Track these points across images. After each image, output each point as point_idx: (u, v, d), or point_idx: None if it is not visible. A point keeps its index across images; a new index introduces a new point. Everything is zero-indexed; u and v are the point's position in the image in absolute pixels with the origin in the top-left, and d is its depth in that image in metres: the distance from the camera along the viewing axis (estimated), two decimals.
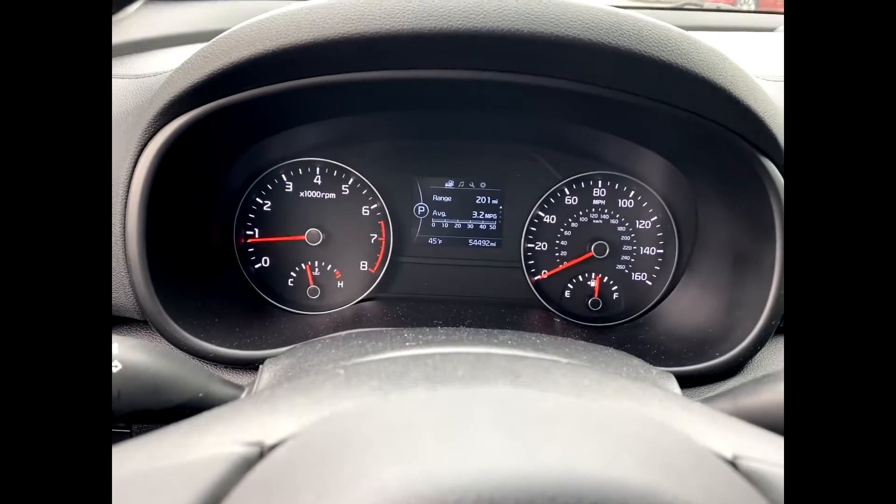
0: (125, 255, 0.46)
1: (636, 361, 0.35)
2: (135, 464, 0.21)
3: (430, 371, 0.24)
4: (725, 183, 0.50)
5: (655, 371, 0.35)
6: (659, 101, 0.43)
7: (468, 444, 0.17)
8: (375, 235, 0.61)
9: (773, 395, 0.31)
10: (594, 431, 0.19)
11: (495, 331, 0.35)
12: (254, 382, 0.32)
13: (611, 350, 0.36)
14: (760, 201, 0.46)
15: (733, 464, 0.21)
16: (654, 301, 0.61)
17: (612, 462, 0.17)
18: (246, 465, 0.19)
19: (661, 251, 0.61)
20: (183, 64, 0.43)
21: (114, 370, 0.30)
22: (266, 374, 0.32)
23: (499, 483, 0.16)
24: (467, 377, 0.24)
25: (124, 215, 0.46)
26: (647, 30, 0.39)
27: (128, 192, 0.46)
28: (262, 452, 0.19)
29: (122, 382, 0.30)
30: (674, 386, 0.34)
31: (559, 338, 0.36)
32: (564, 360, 0.30)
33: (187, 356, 0.45)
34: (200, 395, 0.30)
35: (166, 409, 0.30)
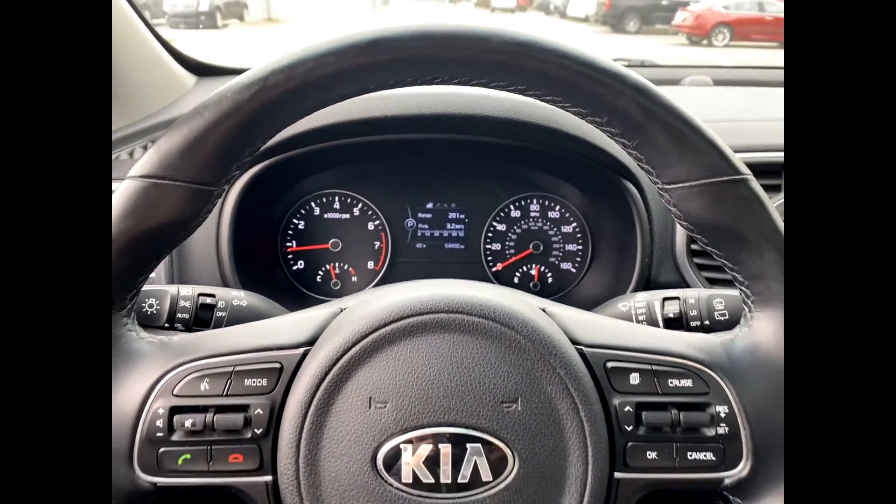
0: (218, 257, 0.71)
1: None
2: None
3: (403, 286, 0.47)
4: (608, 198, 0.76)
5: None
6: (550, 146, 0.70)
7: (420, 288, 0.41)
8: (378, 243, 0.86)
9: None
10: (477, 287, 0.43)
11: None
12: None
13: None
14: (627, 207, 0.72)
15: (544, 310, 0.45)
16: (576, 283, 0.86)
17: (480, 291, 0.41)
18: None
19: (581, 247, 0.86)
20: None
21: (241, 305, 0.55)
22: None
23: (426, 297, 0.40)
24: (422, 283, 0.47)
25: (217, 230, 0.71)
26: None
27: (220, 215, 0.71)
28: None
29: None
30: None
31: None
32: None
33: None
34: None
35: None
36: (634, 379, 0.40)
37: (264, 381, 0.39)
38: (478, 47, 0.37)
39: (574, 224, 0.86)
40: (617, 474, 0.39)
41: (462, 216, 0.86)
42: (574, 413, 0.38)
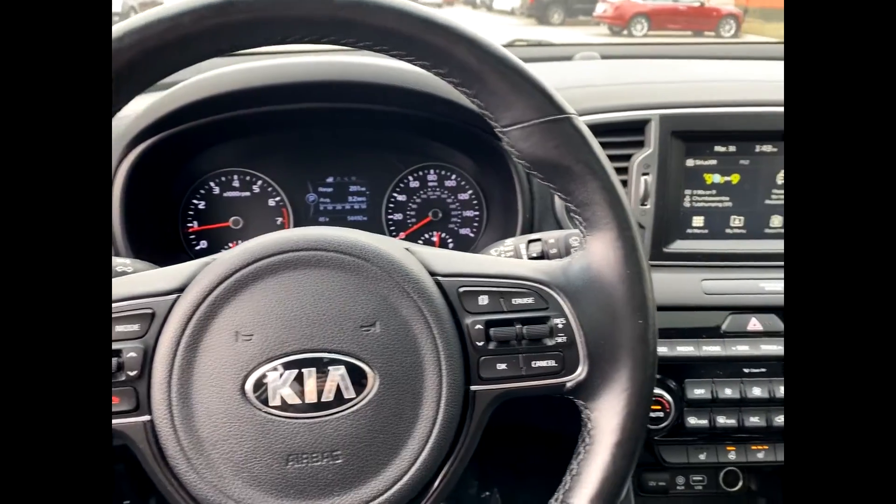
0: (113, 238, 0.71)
1: None
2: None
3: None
4: (493, 163, 0.81)
5: None
6: (435, 114, 0.74)
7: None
8: (280, 219, 0.88)
9: None
10: (341, 230, 0.47)
11: None
12: None
13: None
14: (508, 168, 0.77)
15: (408, 249, 0.49)
16: (475, 246, 0.91)
17: (342, 232, 0.44)
18: None
19: (477, 213, 0.91)
20: (144, 109, 0.70)
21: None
22: None
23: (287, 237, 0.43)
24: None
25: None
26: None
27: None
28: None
29: None
30: None
31: None
32: None
33: None
34: None
35: None
36: (483, 300, 0.45)
37: (136, 327, 0.41)
38: (323, 6, 0.40)
39: (470, 191, 0.91)
40: (472, 387, 0.44)
41: (363, 189, 0.90)
42: (428, 332, 0.42)
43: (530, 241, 0.60)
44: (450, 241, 0.91)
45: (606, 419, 0.44)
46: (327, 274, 0.42)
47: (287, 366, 0.41)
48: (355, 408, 0.41)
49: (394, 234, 0.90)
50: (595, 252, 0.46)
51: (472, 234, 0.91)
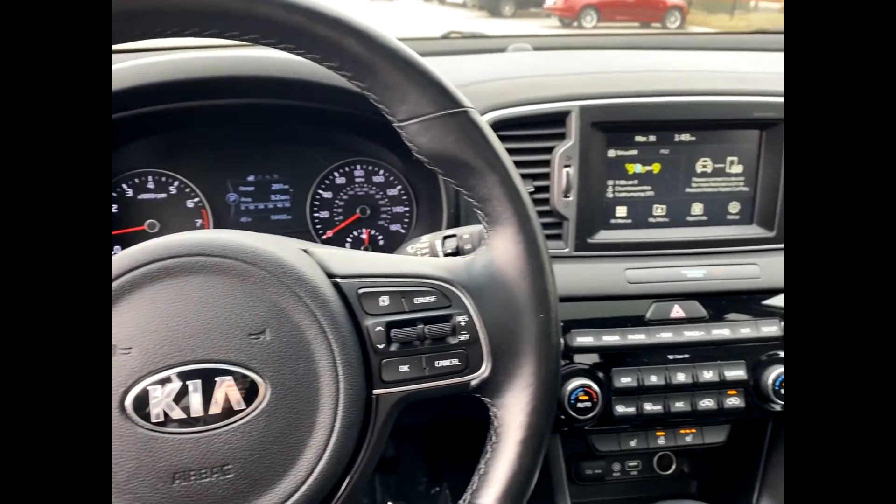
0: None
1: None
2: None
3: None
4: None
5: None
6: (353, 108, 0.72)
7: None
8: (200, 221, 0.84)
9: None
10: (230, 232, 0.44)
11: None
12: None
13: None
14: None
15: (306, 250, 0.47)
16: (405, 242, 0.89)
17: (228, 234, 0.42)
18: None
19: (407, 209, 0.90)
20: None
21: None
22: None
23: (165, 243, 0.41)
24: None
25: None
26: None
27: None
28: None
29: None
30: None
31: None
32: None
33: None
34: None
35: None
36: (384, 301, 0.43)
37: None
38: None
39: (399, 187, 0.89)
40: (375, 391, 0.43)
41: (286, 186, 0.87)
42: (322, 337, 0.41)
43: (445, 238, 0.59)
44: (380, 238, 0.89)
45: (512, 416, 0.44)
46: (211, 280, 0.40)
47: (170, 379, 0.39)
48: (246, 419, 0.39)
49: (321, 232, 0.88)
50: (497, 248, 0.45)
51: (402, 231, 0.89)
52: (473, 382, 0.44)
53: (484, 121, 0.44)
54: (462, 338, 0.44)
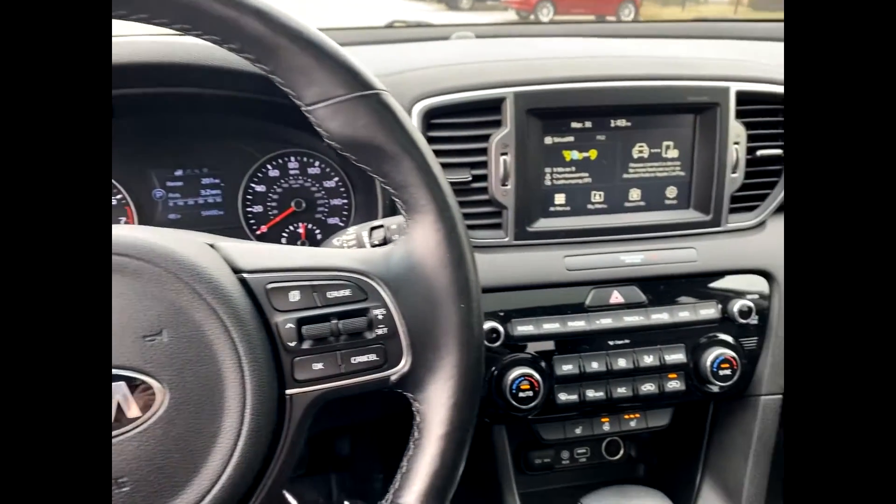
0: None
1: None
2: None
3: None
4: None
5: None
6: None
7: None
8: (124, 219, 0.80)
9: None
10: (126, 228, 0.41)
11: None
12: None
13: None
14: None
15: (213, 245, 0.44)
16: None
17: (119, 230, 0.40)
18: None
19: (346, 201, 0.87)
20: None
21: None
22: None
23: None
24: None
25: None
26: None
27: None
28: None
29: None
30: None
31: None
32: None
33: None
34: None
35: None
36: (294, 296, 0.41)
37: None
38: None
39: (336, 178, 0.86)
40: (288, 391, 0.40)
41: (217, 181, 0.83)
42: (226, 337, 0.38)
43: (373, 228, 0.57)
44: (318, 231, 0.86)
45: (434, 411, 0.42)
46: None
47: None
48: (141, 427, 0.37)
49: (254, 227, 0.85)
50: (416, 237, 0.43)
51: (341, 224, 0.87)
52: (393, 378, 0.42)
53: (397, 104, 0.42)
54: (380, 332, 0.42)
